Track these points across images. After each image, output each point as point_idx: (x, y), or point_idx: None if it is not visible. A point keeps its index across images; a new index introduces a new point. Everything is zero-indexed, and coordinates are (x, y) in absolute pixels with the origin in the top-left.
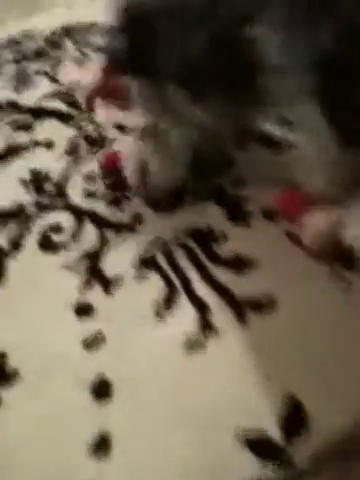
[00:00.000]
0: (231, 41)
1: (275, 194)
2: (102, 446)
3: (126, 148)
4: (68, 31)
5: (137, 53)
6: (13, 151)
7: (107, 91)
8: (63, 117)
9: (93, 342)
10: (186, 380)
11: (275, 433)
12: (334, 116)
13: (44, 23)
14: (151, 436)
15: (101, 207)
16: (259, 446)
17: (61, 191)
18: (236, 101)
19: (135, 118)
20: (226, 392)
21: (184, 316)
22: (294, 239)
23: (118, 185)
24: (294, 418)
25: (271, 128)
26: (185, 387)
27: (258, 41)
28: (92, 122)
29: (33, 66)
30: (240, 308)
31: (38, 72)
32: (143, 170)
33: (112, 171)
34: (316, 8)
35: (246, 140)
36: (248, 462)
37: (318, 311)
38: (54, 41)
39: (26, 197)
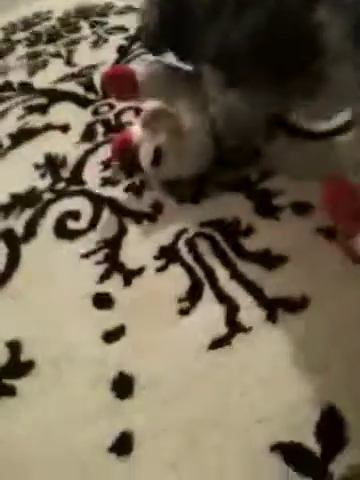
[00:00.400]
0: (293, 22)
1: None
2: (122, 445)
3: (139, 133)
4: (82, 12)
5: (172, 29)
6: (27, 134)
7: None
8: (79, 100)
9: (112, 335)
10: (210, 379)
11: (312, 444)
12: None
13: (57, 4)
14: (175, 439)
15: (120, 194)
16: (297, 458)
17: (77, 176)
18: (284, 88)
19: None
20: (256, 395)
21: (209, 312)
22: (326, 235)
23: (130, 165)
24: (333, 430)
25: (318, 118)
26: (209, 387)
27: (325, 25)
28: (110, 106)
29: (47, 48)
30: (271, 307)
31: (52, 54)
32: (157, 157)
33: (123, 152)
34: None
35: (278, 129)
36: (283, 473)
37: (352, 312)
38: (68, 22)
39: (41, 182)
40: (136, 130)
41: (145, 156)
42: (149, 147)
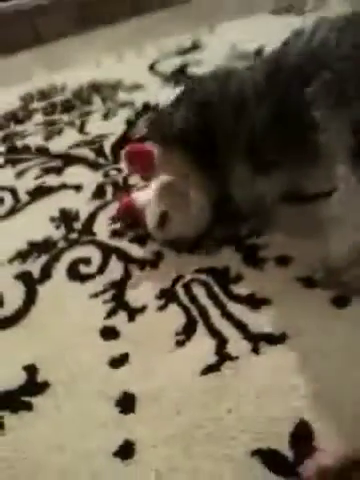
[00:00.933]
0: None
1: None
2: (126, 453)
3: (145, 198)
4: (95, 87)
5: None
6: (43, 191)
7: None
8: (90, 164)
9: (117, 361)
10: (202, 399)
11: (287, 451)
12: None
13: (71, 78)
14: (171, 447)
15: (125, 244)
16: (273, 462)
17: (88, 228)
18: (293, 165)
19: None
20: (241, 411)
21: (202, 344)
22: (304, 283)
23: (135, 224)
24: (304, 439)
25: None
26: (201, 405)
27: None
28: (118, 170)
29: (63, 117)
30: (255, 340)
31: (67, 123)
32: (164, 220)
33: (126, 215)
34: None
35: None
36: (263, 476)
37: (326, 344)
38: (82, 95)
39: (56, 232)
40: (140, 195)
41: (151, 218)
42: (155, 211)
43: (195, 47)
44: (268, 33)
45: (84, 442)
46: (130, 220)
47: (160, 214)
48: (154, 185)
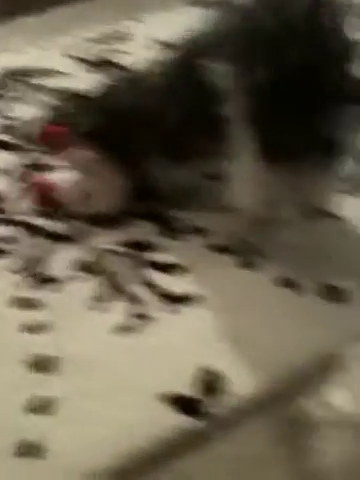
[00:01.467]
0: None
1: None
2: (44, 408)
3: (61, 178)
4: (17, 73)
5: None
6: None
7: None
8: (7, 146)
9: (35, 328)
10: (119, 356)
11: (192, 393)
12: (260, 135)
13: None
14: (88, 400)
15: (45, 222)
16: (182, 405)
17: (8, 208)
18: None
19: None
20: (155, 364)
21: (120, 308)
22: (216, 250)
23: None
24: (211, 383)
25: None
26: (118, 361)
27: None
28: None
29: None
30: (170, 302)
31: None
32: (84, 197)
33: (43, 196)
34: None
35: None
36: (171, 415)
37: (235, 303)
38: (4, 83)
39: None
40: (55, 175)
41: (72, 196)
42: (76, 188)
43: (119, 37)
44: (188, 25)
45: (5, 402)
46: (48, 202)
47: (80, 191)
48: (69, 165)
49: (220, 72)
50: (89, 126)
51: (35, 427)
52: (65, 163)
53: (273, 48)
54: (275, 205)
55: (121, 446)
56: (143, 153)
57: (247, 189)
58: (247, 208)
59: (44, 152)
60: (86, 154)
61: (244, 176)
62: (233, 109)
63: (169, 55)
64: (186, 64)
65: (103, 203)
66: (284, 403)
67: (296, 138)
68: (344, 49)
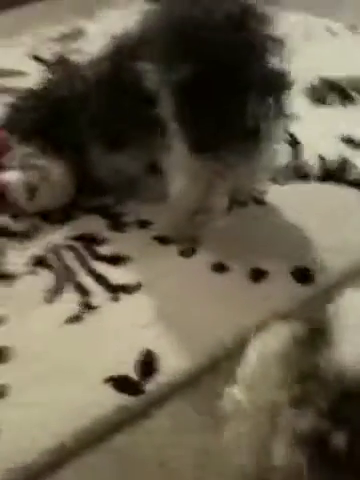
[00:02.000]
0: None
1: None
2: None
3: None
4: None
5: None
6: None
7: None
8: None
9: None
10: (66, 343)
11: (132, 374)
12: (188, 129)
13: None
14: (38, 385)
15: (2, 219)
16: (120, 384)
17: None
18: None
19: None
20: (98, 349)
21: (68, 299)
22: (159, 241)
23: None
24: (148, 363)
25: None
26: (65, 348)
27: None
28: None
29: None
30: (114, 291)
31: None
32: (31, 192)
33: None
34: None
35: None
36: (112, 396)
37: (173, 290)
38: None
39: None
40: (5, 174)
41: (20, 193)
42: (22, 185)
43: (75, 35)
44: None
45: None
46: None
47: (27, 187)
48: (12, 164)
49: (147, 71)
50: (31, 121)
51: None
52: (13, 162)
53: (194, 45)
54: (207, 194)
55: (66, 426)
56: (83, 144)
57: (180, 180)
58: (181, 198)
59: None
60: (29, 151)
61: (177, 168)
62: (161, 104)
63: (105, 51)
64: (117, 62)
65: (49, 198)
66: (209, 376)
67: (220, 130)
68: (264, 43)
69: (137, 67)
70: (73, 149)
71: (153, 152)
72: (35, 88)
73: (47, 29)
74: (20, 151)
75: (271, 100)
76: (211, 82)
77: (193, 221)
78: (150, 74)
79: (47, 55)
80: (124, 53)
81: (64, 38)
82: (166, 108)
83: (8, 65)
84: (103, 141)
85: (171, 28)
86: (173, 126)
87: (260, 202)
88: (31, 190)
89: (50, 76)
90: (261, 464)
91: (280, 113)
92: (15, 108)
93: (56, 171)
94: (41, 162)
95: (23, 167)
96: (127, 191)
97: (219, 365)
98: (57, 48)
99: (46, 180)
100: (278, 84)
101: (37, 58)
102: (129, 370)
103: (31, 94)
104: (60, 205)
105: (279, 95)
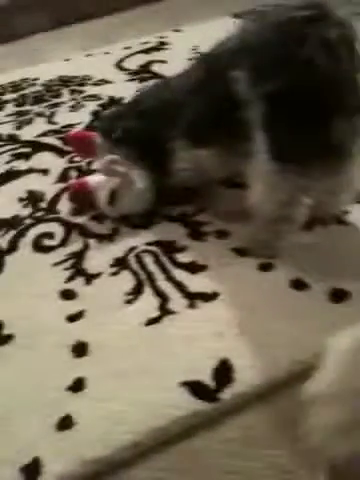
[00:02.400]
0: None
1: None
2: (78, 387)
3: (96, 180)
4: (65, 80)
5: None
6: (12, 175)
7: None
8: (57, 151)
9: (74, 317)
10: (144, 344)
11: (208, 381)
12: (274, 139)
13: (42, 72)
14: (115, 381)
15: (86, 221)
16: (197, 390)
17: (53, 208)
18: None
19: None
20: (175, 353)
21: (147, 302)
22: (237, 252)
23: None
24: (225, 372)
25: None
26: (143, 349)
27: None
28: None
29: (33, 108)
30: (191, 298)
31: (37, 113)
32: (113, 198)
33: (77, 197)
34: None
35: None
36: (188, 400)
37: (250, 301)
38: (52, 89)
39: (24, 211)
40: (91, 178)
41: (103, 198)
42: (106, 190)
43: (160, 46)
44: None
45: (42, 381)
46: (81, 201)
47: (109, 192)
48: (101, 169)
49: (240, 80)
50: (120, 131)
51: (69, 403)
52: (99, 167)
53: (290, 62)
54: (288, 207)
55: (141, 423)
56: (167, 153)
57: (260, 188)
58: (260, 207)
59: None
60: (115, 158)
61: (258, 176)
62: (251, 112)
63: (196, 62)
64: (211, 70)
65: (130, 204)
66: (285, 392)
67: (305, 144)
68: (355, 61)
69: (231, 75)
70: (157, 158)
71: (237, 158)
72: (124, 98)
73: (135, 38)
74: (106, 157)
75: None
76: (302, 98)
77: (271, 231)
78: (243, 83)
79: (133, 65)
80: (219, 63)
81: (150, 49)
82: (255, 116)
83: (96, 73)
84: (189, 141)
85: (271, 43)
86: (259, 134)
87: (343, 222)
88: (113, 195)
89: (139, 86)
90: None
91: None
92: (105, 116)
93: (138, 179)
94: (124, 169)
95: (107, 172)
96: (207, 198)
97: (294, 382)
98: (143, 58)
99: (128, 187)
100: None
101: (122, 68)
102: (205, 377)
103: (121, 103)
104: (140, 211)
105: None
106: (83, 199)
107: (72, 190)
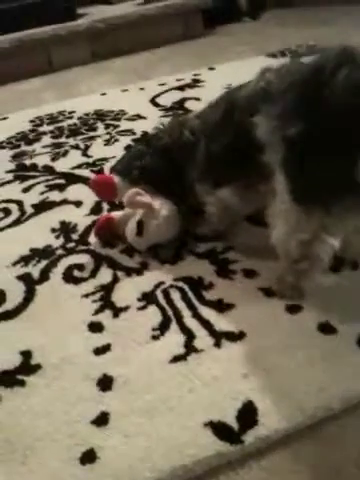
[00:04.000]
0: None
1: None
2: (102, 421)
3: (123, 214)
4: (100, 115)
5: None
6: (47, 206)
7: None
8: (86, 181)
9: (100, 350)
10: (169, 381)
11: (232, 422)
12: (296, 180)
13: (79, 106)
14: (140, 417)
15: (116, 254)
16: (220, 431)
17: (84, 239)
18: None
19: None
20: (200, 392)
21: (173, 338)
22: (264, 292)
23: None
24: (249, 415)
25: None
26: (167, 386)
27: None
28: None
29: (69, 141)
30: (217, 337)
31: (72, 146)
32: (140, 228)
33: (102, 232)
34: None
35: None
36: (211, 440)
37: (277, 344)
38: (87, 122)
39: (56, 241)
40: (117, 213)
41: (131, 230)
42: (133, 222)
43: (195, 83)
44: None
45: (67, 412)
46: (107, 236)
47: (137, 224)
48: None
49: (261, 125)
50: (137, 171)
51: (94, 437)
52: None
53: (312, 106)
54: (311, 246)
55: (164, 461)
56: (188, 186)
57: (283, 229)
58: (284, 248)
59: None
60: (138, 190)
61: (279, 215)
62: (270, 154)
63: (215, 102)
64: (230, 113)
65: (157, 234)
66: (311, 439)
67: (331, 183)
68: None
69: (251, 121)
70: (178, 192)
71: (258, 197)
72: (145, 135)
73: (170, 75)
74: (129, 191)
75: None
76: (323, 141)
77: (295, 270)
78: (264, 128)
79: (167, 101)
80: (239, 107)
81: (184, 86)
82: (275, 157)
83: (131, 108)
84: (207, 184)
85: (293, 88)
86: (279, 175)
87: None
88: (140, 226)
89: (161, 124)
90: None
91: None
92: (122, 157)
93: (162, 207)
94: (147, 199)
95: (132, 205)
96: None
97: (321, 428)
98: (177, 95)
99: (153, 216)
100: None
101: (157, 103)
102: (229, 418)
103: (142, 141)
104: (168, 241)
105: None
106: (109, 234)
107: (98, 225)
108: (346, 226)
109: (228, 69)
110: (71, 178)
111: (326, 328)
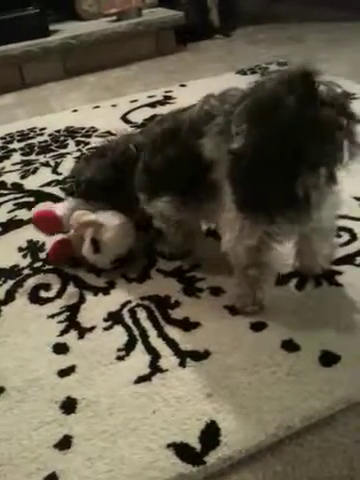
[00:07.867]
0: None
1: None
2: (65, 444)
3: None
4: (71, 131)
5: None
6: (14, 224)
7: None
8: (60, 201)
9: (65, 372)
10: (133, 403)
11: (194, 443)
12: (242, 192)
13: (50, 123)
14: (102, 440)
15: (83, 273)
16: (183, 452)
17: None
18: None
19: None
20: (163, 413)
21: (138, 359)
22: (230, 310)
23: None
24: (211, 435)
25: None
26: (131, 407)
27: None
28: None
29: (38, 158)
30: (182, 356)
31: (42, 163)
32: (96, 246)
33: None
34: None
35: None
36: (173, 462)
37: (241, 362)
38: (58, 139)
39: (23, 261)
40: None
41: (88, 250)
42: (87, 242)
43: (166, 100)
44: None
45: (29, 436)
46: (65, 257)
47: (91, 242)
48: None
49: (208, 144)
50: (84, 185)
51: (56, 461)
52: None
53: (251, 121)
54: (260, 253)
55: None
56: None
57: (231, 236)
58: (234, 254)
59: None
60: (80, 212)
61: (228, 225)
62: (216, 168)
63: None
64: (176, 132)
65: (114, 247)
66: (273, 458)
67: (271, 195)
68: (331, 121)
69: (198, 142)
70: (125, 203)
71: (207, 211)
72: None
73: (141, 92)
74: (74, 214)
75: (324, 171)
76: (265, 156)
77: (248, 278)
78: (209, 145)
79: (138, 118)
80: (183, 127)
81: (155, 102)
82: (222, 171)
83: (102, 125)
84: (148, 190)
85: (236, 106)
86: (226, 186)
87: (336, 283)
88: (94, 243)
89: (108, 141)
90: None
91: (332, 183)
92: (68, 176)
93: (110, 219)
94: (92, 217)
95: (79, 228)
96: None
97: (282, 447)
98: (149, 112)
99: (104, 230)
100: (334, 157)
101: (127, 120)
102: (191, 438)
103: (89, 158)
104: (128, 250)
105: (333, 168)
106: (65, 257)
107: (51, 249)
108: (292, 234)
109: (199, 86)
110: (40, 196)
111: (289, 346)
